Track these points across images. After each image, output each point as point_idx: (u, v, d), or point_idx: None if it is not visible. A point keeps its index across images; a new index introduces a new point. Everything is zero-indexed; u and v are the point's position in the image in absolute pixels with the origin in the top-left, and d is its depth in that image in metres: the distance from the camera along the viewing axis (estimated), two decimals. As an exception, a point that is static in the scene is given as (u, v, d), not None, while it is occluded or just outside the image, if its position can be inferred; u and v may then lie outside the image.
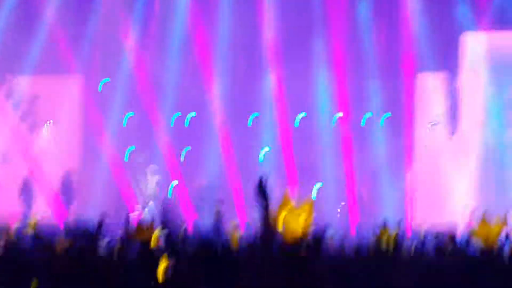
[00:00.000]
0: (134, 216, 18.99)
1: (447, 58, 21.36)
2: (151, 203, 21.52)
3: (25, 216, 19.26)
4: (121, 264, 6.35)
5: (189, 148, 22.87)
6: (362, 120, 22.11)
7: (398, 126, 21.66)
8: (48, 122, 22.89)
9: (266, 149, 22.43)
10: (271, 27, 21.78)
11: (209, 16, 22.23)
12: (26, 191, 21.47)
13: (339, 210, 21.64)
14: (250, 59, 22.30)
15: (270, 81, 22.29)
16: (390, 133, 21.81)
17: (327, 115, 22.27)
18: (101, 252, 6.88)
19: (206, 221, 17.53)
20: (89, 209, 18.63)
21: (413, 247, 8.81)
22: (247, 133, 22.42)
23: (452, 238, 7.70)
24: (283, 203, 3.48)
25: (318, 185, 21.98)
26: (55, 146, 22.37)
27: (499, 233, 3.93)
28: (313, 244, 3.46)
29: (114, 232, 9.87)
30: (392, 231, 9.24)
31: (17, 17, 22.03)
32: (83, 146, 22.53)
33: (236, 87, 22.39)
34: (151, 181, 22.12)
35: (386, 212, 19.94)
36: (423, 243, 8.41)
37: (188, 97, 22.60)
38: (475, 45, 21.33)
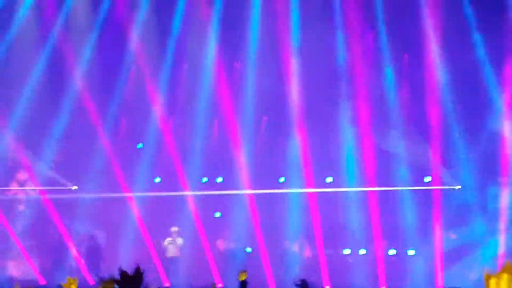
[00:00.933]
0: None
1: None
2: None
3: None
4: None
5: (219, 214, 22.89)
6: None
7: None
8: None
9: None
10: (296, 90, 21.82)
11: (234, 80, 22.39)
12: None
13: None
14: (275, 121, 22.34)
15: (296, 143, 22.30)
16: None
17: (353, 177, 22.14)
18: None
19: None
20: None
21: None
22: (274, 196, 22.40)
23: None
24: None
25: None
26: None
27: None
28: None
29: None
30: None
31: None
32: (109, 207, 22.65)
33: (261, 150, 22.46)
34: (173, 243, 22.17)
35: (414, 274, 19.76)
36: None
37: (215, 161, 22.70)
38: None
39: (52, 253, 22.06)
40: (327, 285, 20.56)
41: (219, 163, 22.79)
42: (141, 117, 22.77)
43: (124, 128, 23.06)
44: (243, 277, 8.12)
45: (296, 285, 9.84)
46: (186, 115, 22.76)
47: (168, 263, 21.91)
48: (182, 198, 22.22)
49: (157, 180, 23.03)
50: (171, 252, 22.25)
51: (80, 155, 22.59)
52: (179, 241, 22.32)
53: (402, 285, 20.19)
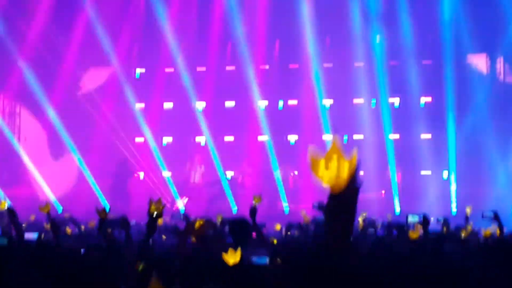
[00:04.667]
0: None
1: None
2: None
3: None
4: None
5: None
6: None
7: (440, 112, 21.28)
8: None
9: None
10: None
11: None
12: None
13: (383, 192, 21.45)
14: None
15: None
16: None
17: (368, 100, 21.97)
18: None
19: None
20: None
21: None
22: (282, 119, 22.36)
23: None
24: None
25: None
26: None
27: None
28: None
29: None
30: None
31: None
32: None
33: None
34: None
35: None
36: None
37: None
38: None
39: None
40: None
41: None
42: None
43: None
44: (257, 201, 8.18)
45: (314, 206, 10.01)
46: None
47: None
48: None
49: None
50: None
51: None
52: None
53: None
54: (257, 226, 7.75)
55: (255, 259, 5.93)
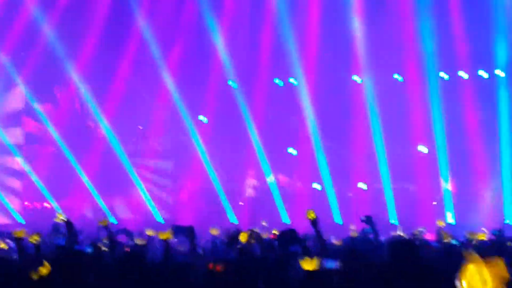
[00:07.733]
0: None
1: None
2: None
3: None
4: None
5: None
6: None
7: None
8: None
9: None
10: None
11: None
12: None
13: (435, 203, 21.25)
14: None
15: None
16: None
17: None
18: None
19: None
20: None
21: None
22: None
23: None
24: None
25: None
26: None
27: None
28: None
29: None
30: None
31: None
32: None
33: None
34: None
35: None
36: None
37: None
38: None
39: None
40: (393, 219, 20.61)
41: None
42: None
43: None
44: (312, 215, 8.23)
45: (362, 221, 10.05)
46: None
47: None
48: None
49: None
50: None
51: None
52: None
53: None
54: (320, 234, 8.14)
55: (326, 263, 6.05)
